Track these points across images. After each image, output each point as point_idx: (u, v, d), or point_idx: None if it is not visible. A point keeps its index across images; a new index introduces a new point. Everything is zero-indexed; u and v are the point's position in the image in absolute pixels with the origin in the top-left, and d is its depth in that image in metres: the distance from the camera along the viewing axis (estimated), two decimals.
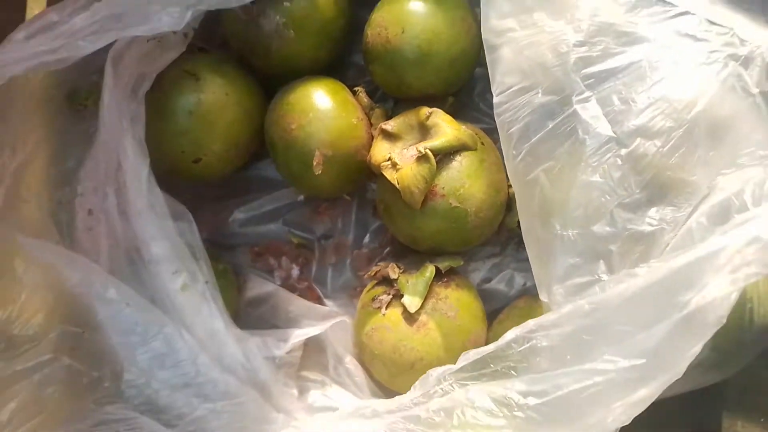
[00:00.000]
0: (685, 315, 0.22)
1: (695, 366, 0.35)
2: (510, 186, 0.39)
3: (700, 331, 0.22)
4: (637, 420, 0.43)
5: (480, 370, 0.24)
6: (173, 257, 0.35)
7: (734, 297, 0.22)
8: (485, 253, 0.44)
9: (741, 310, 0.34)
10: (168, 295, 0.35)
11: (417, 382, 0.25)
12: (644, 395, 0.23)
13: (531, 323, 0.24)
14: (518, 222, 0.35)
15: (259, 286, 0.43)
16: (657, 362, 0.22)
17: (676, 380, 0.37)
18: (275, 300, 0.42)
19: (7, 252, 0.32)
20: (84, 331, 0.32)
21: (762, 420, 0.42)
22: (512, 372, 0.24)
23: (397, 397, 0.25)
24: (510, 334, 0.24)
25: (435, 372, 0.25)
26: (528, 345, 0.24)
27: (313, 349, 0.40)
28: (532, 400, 0.23)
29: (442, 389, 0.25)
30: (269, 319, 0.41)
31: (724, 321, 0.22)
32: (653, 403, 0.40)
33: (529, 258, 0.33)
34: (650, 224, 0.29)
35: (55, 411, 0.31)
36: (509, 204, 0.40)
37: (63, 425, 0.30)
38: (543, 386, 0.23)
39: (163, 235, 0.36)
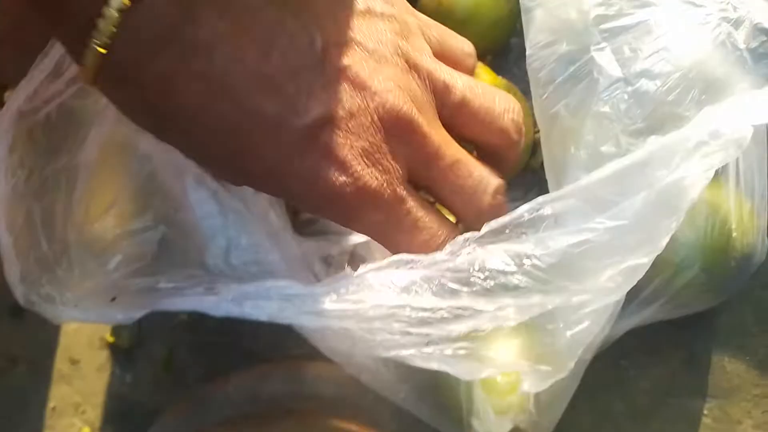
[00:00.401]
0: (660, 188, 0.28)
1: (686, 286, 0.41)
2: (536, 131, 0.46)
3: (674, 207, 0.28)
4: (639, 343, 0.49)
5: (498, 236, 0.31)
6: None
7: (704, 182, 0.28)
8: (510, 197, 0.50)
9: (726, 237, 0.40)
10: (243, 195, 0.43)
11: (447, 245, 0.32)
12: (632, 264, 0.29)
13: (539, 198, 0.30)
14: (541, 163, 0.42)
15: None
16: (638, 227, 0.28)
17: (673, 304, 0.42)
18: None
19: (125, 141, 0.40)
20: (177, 211, 0.40)
21: (747, 358, 0.48)
22: (523, 235, 0.30)
23: (431, 254, 0.32)
24: (524, 207, 0.31)
25: (461, 237, 0.32)
26: (536, 213, 0.30)
27: (357, 260, 0.47)
28: (537, 251, 0.29)
29: (467, 251, 0.31)
30: (320, 234, 0.49)
31: (695, 201, 0.28)
32: (652, 328, 0.46)
33: (547, 179, 0.39)
34: None
35: (151, 265, 0.38)
36: (534, 148, 0.47)
37: (155, 275, 0.38)
38: (546, 243, 0.29)
39: None
